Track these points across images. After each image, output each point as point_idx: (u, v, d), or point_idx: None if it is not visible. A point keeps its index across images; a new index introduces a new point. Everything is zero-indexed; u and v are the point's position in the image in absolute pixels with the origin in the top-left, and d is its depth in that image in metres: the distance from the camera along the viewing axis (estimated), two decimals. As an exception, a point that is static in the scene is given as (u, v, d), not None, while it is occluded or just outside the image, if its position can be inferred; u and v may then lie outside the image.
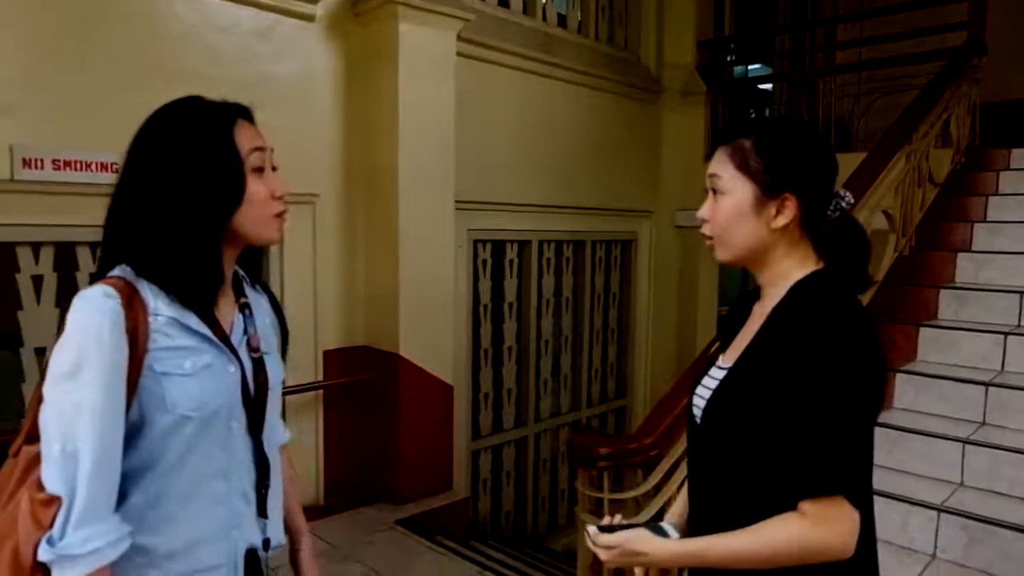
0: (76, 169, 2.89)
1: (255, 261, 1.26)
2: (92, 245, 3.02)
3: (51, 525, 0.96)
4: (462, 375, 4.40)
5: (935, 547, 2.51)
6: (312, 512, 3.69)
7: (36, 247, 2.91)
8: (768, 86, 7.24)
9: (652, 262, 5.94)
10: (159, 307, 1.05)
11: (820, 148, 1.15)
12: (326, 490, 3.87)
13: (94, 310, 1.00)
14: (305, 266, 3.71)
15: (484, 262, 4.64)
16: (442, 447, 4.07)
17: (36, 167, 2.80)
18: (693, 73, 5.80)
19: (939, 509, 2.53)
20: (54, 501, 0.96)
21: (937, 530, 2.51)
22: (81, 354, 0.98)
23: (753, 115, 6.84)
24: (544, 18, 4.87)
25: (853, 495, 1.00)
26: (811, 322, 1.04)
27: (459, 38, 3.95)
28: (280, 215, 1.14)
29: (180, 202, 1.05)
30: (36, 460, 1.01)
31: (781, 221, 1.11)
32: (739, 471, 1.10)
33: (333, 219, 3.79)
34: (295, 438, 3.98)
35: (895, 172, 3.58)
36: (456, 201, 4.02)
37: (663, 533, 1.17)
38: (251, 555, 1.18)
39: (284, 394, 3.63)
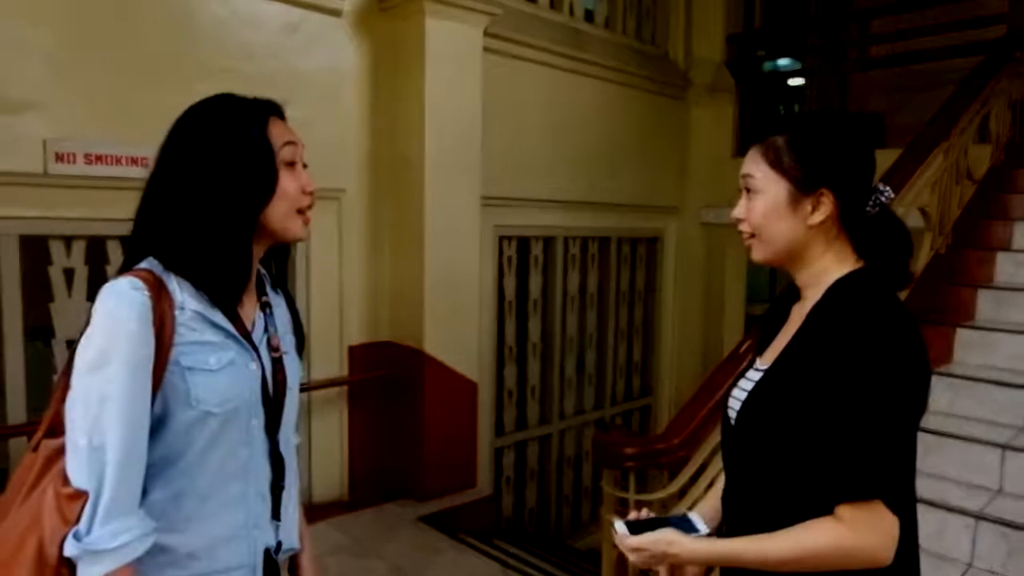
0: (108, 163, 2.92)
1: (281, 262, 1.27)
2: (123, 239, 3.04)
3: (77, 520, 0.94)
4: (486, 372, 4.39)
5: (972, 555, 2.44)
6: (336, 507, 3.73)
7: (68, 240, 2.95)
8: (799, 81, 7.11)
9: (678, 259, 5.88)
10: (186, 301, 1.05)
11: (856, 141, 1.11)
12: (350, 485, 3.88)
13: (121, 302, 0.99)
14: (331, 261, 3.72)
15: (509, 258, 4.62)
16: (466, 444, 4.06)
17: (69, 161, 2.84)
18: (721, 68, 5.72)
19: (977, 516, 2.46)
20: (80, 495, 0.95)
21: (975, 538, 2.44)
22: (108, 346, 0.97)
23: (783, 111, 6.73)
24: (571, 13, 4.83)
25: (892, 500, 0.97)
26: (851, 322, 1.01)
27: (486, 33, 3.92)
28: (305, 211, 1.15)
29: (213, 195, 1.06)
30: (57, 454, 1.00)
31: (818, 217, 1.09)
32: (775, 473, 1.08)
33: (359, 214, 3.79)
34: (320, 433, 4.03)
35: (932, 169, 3.48)
36: (482, 197, 4.00)
37: (691, 526, 1.15)
38: (268, 557, 1.17)
39: (310, 389, 3.67)
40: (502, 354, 4.65)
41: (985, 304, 3.37)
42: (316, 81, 3.53)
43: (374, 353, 3.90)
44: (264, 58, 3.34)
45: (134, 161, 2.95)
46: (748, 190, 1.14)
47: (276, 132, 1.11)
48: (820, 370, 1.01)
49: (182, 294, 1.05)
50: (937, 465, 2.76)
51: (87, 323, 1.01)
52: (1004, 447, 2.65)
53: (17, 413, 2.84)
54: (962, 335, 3.22)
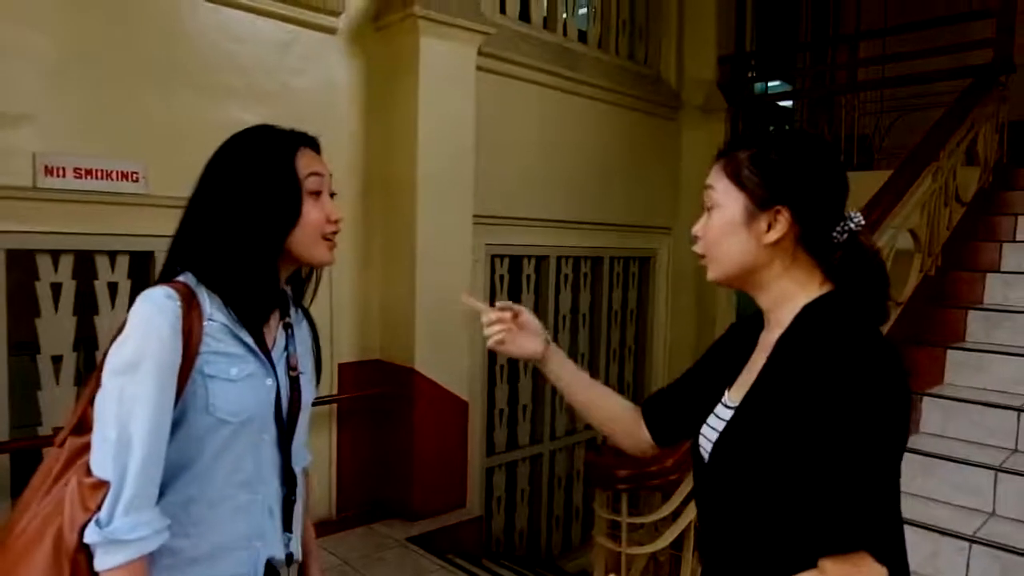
0: (97, 178, 2.90)
1: (300, 283, 1.34)
2: (111, 254, 3.02)
3: (98, 508, 1.00)
4: (477, 391, 4.35)
5: (968, 572, 2.43)
6: (325, 527, 3.66)
7: (56, 255, 2.91)
8: (789, 103, 7.19)
9: (670, 279, 5.88)
10: (214, 313, 1.12)
11: (822, 161, 1.06)
12: (339, 505, 3.82)
13: (156, 310, 1.06)
14: (322, 278, 3.68)
15: (501, 277, 4.60)
16: (456, 463, 4.02)
17: (58, 175, 2.81)
18: (714, 89, 5.77)
19: (970, 540, 2.45)
20: (102, 485, 1.01)
21: (968, 561, 2.43)
22: (141, 350, 1.04)
23: (772, 131, 6.78)
24: (564, 33, 4.86)
25: (879, 549, 0.89)
26: (824, 354, 0.94)
27: (480, 52, 3.94)
28: (330, 237, 1.21)
29: (243, 220, 1.14)
30: (81, 451, 1.05)
31: (773, 236, 1.03)
32: (752, 518, 1.01)
33: (350, 231, 3.78)
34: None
35: (921, 190, 3.52)
36: (474, 216, 4.00)
37: None
38: (270, 569, 1.21)
39: (298, 407, 3.62)
40: (493, 373, 4.62)
41: (975, 326, 3.38)
42: (309, 98, 3.52)
43: (364, 371, 3.86)
44: (257, 74, 3.34)
45: (124, 176, 2.93)
46: (709, 206, 1.09)
47: (303, 163, 1.18)
48: (796, 409, 0.94)
49: (211, 307, 1.12)
50: (929, 488, 2.75)
51: (121, 327, 1.08)
52: (997, 469, 2.65)
53: (0, 430, 2.79)
54: (953, 356, 3.22)
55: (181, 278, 1.13)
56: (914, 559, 2.45)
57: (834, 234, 1.04)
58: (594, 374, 5.28)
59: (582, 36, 5.07)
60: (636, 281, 5.75)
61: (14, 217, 2.76)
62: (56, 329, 2.91)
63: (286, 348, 1.24)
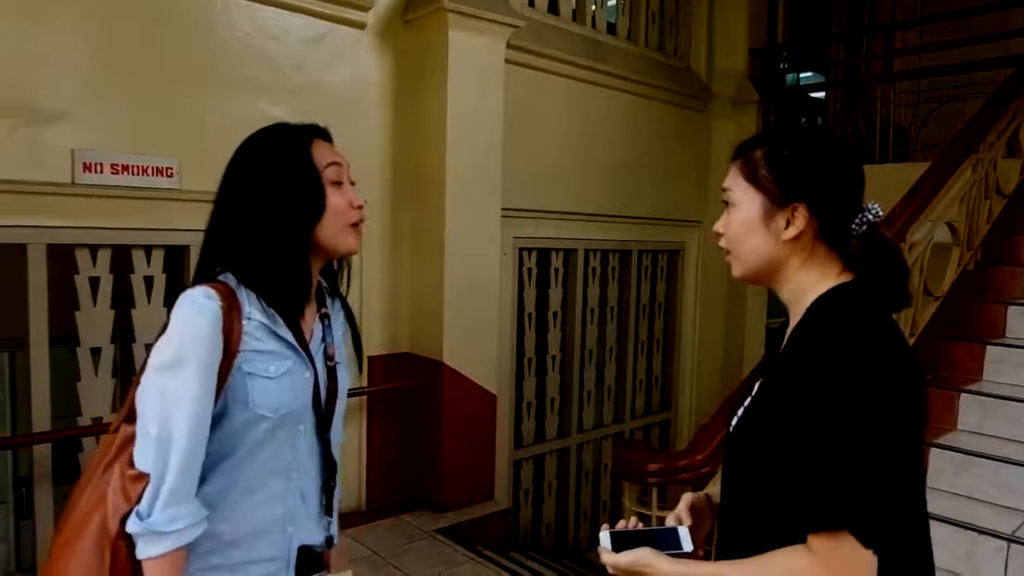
0: (133, 173, 2.95)
1: (333, 273, 1.37)
2: (146, 248, 3.08)
3: (138, 500, 1.04)
4: (505, 384, 4.36)
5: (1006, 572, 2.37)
6: (354, 517, 3.71)
7: (94, 249, 2.98)
8: (822, 94, 7.06)
9: (699, 273, 5.83)
10: (253, 312, 1.15)
11: (836, 157, 1.08)
12: (368, 496, 3.87)
13: (197, 310, 1.09)
14: (352, 272, 3.71)
15: (529, 270, 4.60)
16: (484, 456, 4.04)
17: (96, 171, 2.87)
18: (745, 81, 5.69)
19: (1009, 539, 2.39)
20: (143, 477, 1.05)
21: (1007, 561, 2.37)
22: (183, 349, 1.07)
23: (805, 124, 6.68)
24: (593, 25, 4.83)
25: (865, 532, 0.91)
26: (820, 341, 0.98)
27: (508, 45, 3.93)
28: (357, 224, 1.23)
29: (270, 217, 1.16)
30: (132, 438, 1.09)
31: (791, 232, 1.06)
32: (759, 493, 1.06)
33: (380, 225, 3.80)
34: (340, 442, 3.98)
35: (960, 183, 3.43)
36: (502, 209, 4.00)
37: (677, 541, 1.15)
38: (303, 552, 1.24)
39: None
40: (521, 366, 4.63)
41: (1016, 321, 3.30)
42: (339, 93, 3.55)
43: (393, 364, 3.89)
44: (288, 70, 3.37)
45: (159, 171, 2.98)
46: (727, 203, 1.13)
47: (319, 154, 1.21)
48: (792, 392, 0.98)
49: (250, 306, 1.15)
50: (967, 485, 2.69)
51: (164, 327, 1.12)
52: (1037, 468, 2.59)
53: (42, 420, 2.87)
54: (992, 352, 3.15)
55: (221, 278, 1.16)
56: (951, 557, 2.40)
57: (853, 226, 1.06)
58: (622, 368, 5.31)
59: (611, 28, 5.04)
60: (665, 274, 5.71)
61: (53, 212, 2.83)
62: (95, 322, 2.97)
63: (323, 339, 1.27)
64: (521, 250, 4.51)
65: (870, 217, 1.06)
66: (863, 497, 0.92)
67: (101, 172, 2.88)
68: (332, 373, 1.27)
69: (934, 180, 3.27)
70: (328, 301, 1.33)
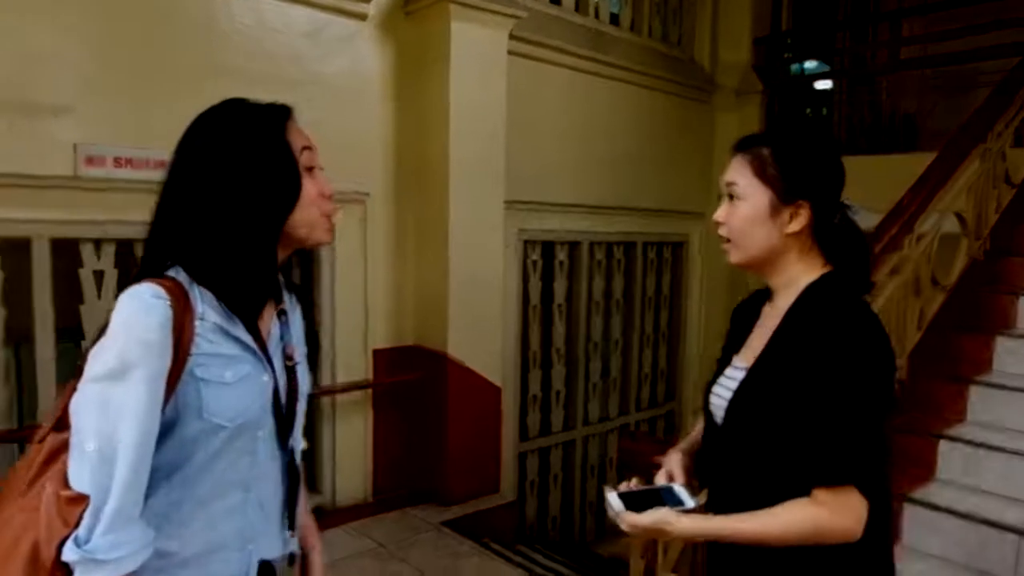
0: (136, 167, 2.94)
1: (288, 266, 1.24)
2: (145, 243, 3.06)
3: (77, 524, 0.92)
4: (510, 376, 4.35)
5: (1016, 573, 2.36)
6: (360, 510, 3.72)
7: (97, 243, 2.97)
8: (827, 84, 7.01)
9: (703, 264, 5.80)
10: (206, 312, 1.03)
11: (834, 159, 1.21)
12: (374, 489, 3.87)
13: (144, 310, 0.97)
14: (356, 265, 3.72)
15: (534, 263, 4.59)
16: (489, 449, 4.03)
17: (98, 165, 2.86)
18: (749, 71, 5.65)
19: (1021, 533, 2.38)
20: (81, 499, 0.93)
21: (1018, 555, 2.36)
22: (128, 354, 0.95)
23: (810, 114, 6.64)
24: (596, 15, 4.80)
25: (863, 484, 1.08)
26: (827, 324, 1.12)
27: (510, 36, 3.90)
28: (330, 215, 1.13)
29: (237, 204, 1.04)
30: (61, 448, 0.98)
31: (794, 227, 1.18)
32: (759, 465, 1.17)
33: (383, 218, 3.79)
34: (345, 436, 4.02)
35: (968, 173, 3.39)
36: (506, 201, 3.98)
37: (678, 498, 1.23)
38: (265, 568, 1.13)
39: (334, 392, 3.67)
40: (526, 359, 4.62)
41: (1025, 311, 3.26)
42: (341, 85, 3.53)
43: (398, 357, 3.89)
44: (289, 62, 3.35)
45: (162, 164, 2.94)
46: (731, 196, 1.22)
47: (294, 137, 1.09)
48: (801, 369, 1.11)
49: (203, 305, 1.03)
50: (978, 478, 2.67)
51: (104, 327, 0.99)
52: (1047, 459, 2.57)
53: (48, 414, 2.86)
54: (1002, 343, 3.12)
55: (171, 272, 1.03)
56: (962, 551, 2.39)
57: (834, 220, 1.20)
58: (628, 360, 5.30)
59: (614, 19, 5.00)
60: (669, 266, 5.69)
61: (57, 206, 2.82)
62: (99, 316, 2.96)
63: (282, 338, 1.16)
64: (526, 242, 4.49)
65: (848, 212, 1.21)
66: (865, 456, 1.09)
67: (104, 166, 2.87)
68: (292, 374, 1.16)
69: (942, 170, 3.24)
70: (285, 296, 1.20)
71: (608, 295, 5.15)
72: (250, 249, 1.05)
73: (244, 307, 1.06)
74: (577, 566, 3.82)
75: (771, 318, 1.23)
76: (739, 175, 1.22)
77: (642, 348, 5.47)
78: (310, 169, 1.10)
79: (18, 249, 2.81)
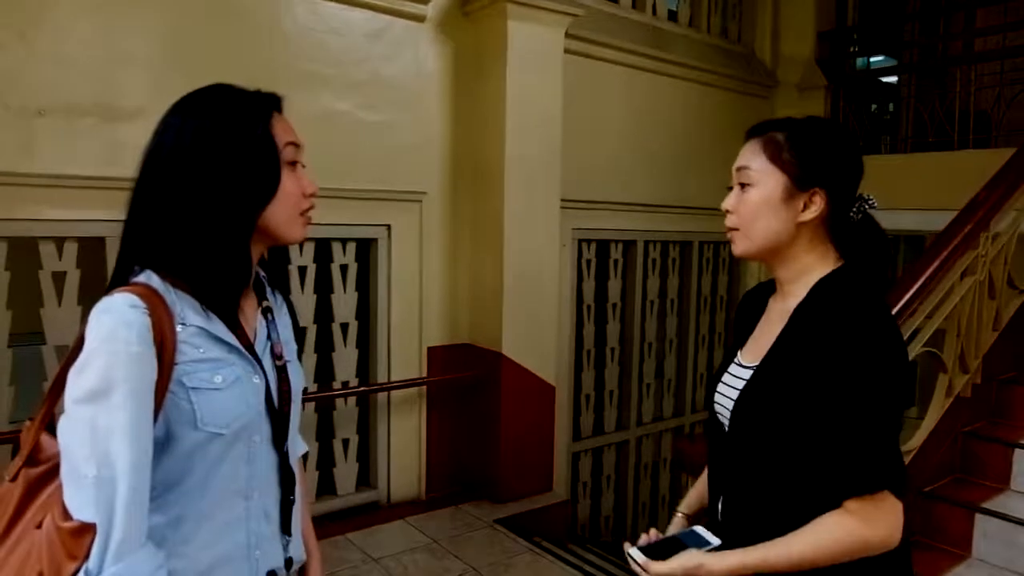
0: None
1: (281, 264, 1.21)
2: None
3: (86, 556, 0.87)
4: (564, 376, 4.35)
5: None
6: (414, 506, 3.77)
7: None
8: (894, 78, 6.75)
9: (760, 265, 5.64)
10: (186, 315, 0.99)
11: (850, 148, 1.16)
12: (427, 485, 3.92)
13: (122, 323, 0.91)
14: (412, 263, 3.77)
15: (588, 262, 4.57)
16: (543, 448, 4.04)
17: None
18: (812, 66, 5.49)
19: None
20: (87, 529, 0.88)
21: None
22: (110, 372, 0.89)
23: (875, 109, 6.41)
24: (654, 12, 4.74)
25: (896, 487, 1.03)
26: (841, 322, 1.05)
27: (567, 35, 3.89)
28: (306, 213, 1.10)
29: (211, 194, 0.99)
30: (39, 485, 0.95)
31: (808, 215, 1.12)
32: (774, 473, 1.10)
33: (439, 217, 3.83)
34: (399, 432, 4.07)
35: (1049, 168, 3.22)
36: (561, 200, 3.97)
37: (702, 539, 1.17)
38: None
39: (389, 389, 3.72)
40: (580, 358, 4.61)
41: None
42: (400, 86, 3.58)
43: (452, 355, 3.92)
44: (349, 64, 3.42)
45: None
46: (742, 183, 1.17)
47: (279, 130, 1.06)
48: (814, 369, 1.04)
49: (182, 308, 0.98)
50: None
51: (79, 344, 0.93)
52: None
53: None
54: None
55: (141, 278, 0.98)
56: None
57: (851, 214, 1.14)
58: (682, 361, 5.24)
59: (672, 15, 4.93)
60: (726, 266, 5.58)
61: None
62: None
63: (269, 337, 1.12)
64: (580, 241, 4.48)
65: (867, 207, 1.15)
66: (893, 459, 1.04)
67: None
68: (282, 374, 1.11)
69: (1020, 166, 3.09)
70: (269, 293, 1.17)
71: (663, 294, 5.08)
72: (219, 240, 1.00)
73: (218, 300, 1.01)
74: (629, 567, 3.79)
75: (778, 313, 1.17)
76: (752, 159, 1.16)
77: (697, 349, 5.38)
78: (292, 164, 1.07)
79: (94, 247, 2.94)
